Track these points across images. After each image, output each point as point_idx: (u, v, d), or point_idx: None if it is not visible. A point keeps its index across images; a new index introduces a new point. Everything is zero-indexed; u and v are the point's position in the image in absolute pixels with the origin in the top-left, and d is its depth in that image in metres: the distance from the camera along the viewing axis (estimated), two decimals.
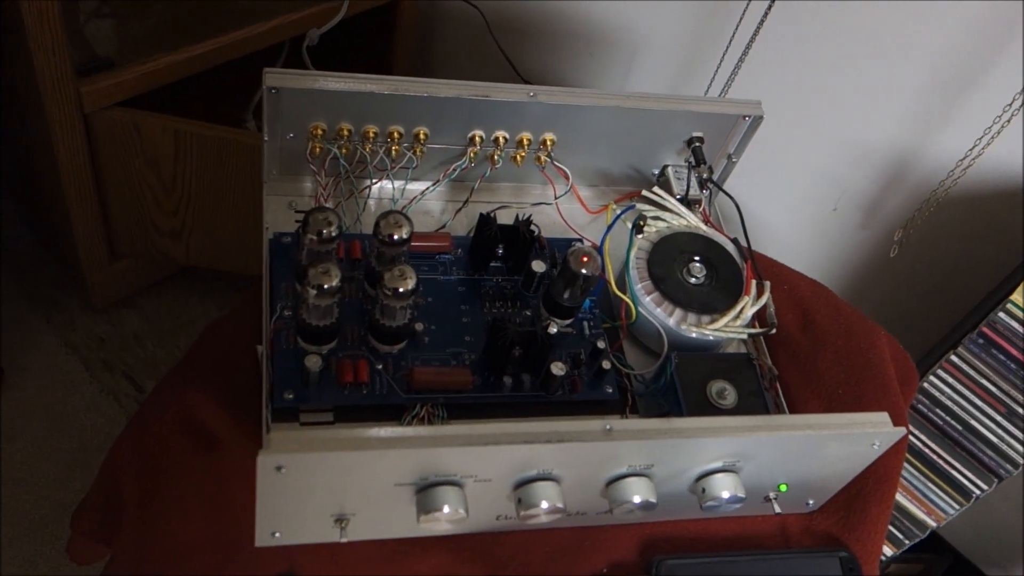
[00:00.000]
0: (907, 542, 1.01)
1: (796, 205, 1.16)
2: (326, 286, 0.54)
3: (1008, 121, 0.85)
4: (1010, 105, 0.84)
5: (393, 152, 0.67)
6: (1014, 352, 0.86)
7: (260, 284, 0.62)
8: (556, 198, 0.72)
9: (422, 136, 0.67)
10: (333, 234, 0.57)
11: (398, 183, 0.69)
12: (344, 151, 0.66)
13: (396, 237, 0.58)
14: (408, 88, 0.64)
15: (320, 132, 0.65)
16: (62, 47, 0.93)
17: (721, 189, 0.75)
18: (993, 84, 0.93)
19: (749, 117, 0.71)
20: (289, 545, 0.55)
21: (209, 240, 1.18)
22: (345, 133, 0.65)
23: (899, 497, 0.98)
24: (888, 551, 1.03)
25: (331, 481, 0.49)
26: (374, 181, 0.68)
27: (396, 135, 0.66)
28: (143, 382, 1.25)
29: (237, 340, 0.64)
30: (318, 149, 0.65)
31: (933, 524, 0.99)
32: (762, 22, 0.95)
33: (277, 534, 0.53)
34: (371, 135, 0.66)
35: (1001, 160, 0.96)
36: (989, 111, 0.87)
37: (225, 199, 1.12)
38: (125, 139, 1.04)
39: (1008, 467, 0.91)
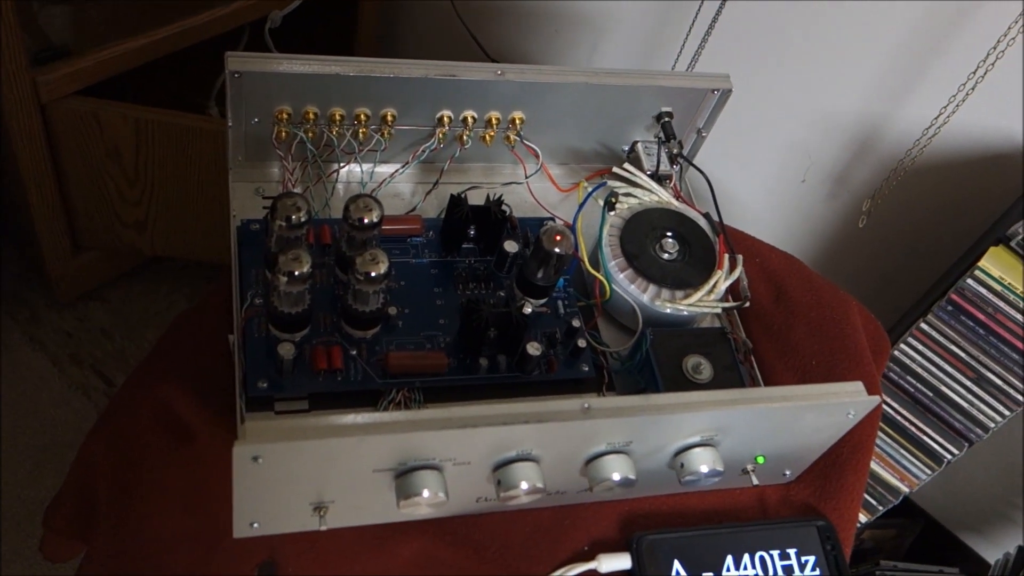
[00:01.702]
0: (881, 508, 1.03)
1: (766, 177, 1.17)
2: (297, 273, 0.53)
3: (972, 89, 0.85)
4: (974, 73, 0.84)
5: (360, 135, 0.66)
6: (983, 318, 0.87)
7: (229, 273, 0.61)
8: (527, 177, 0.72)
9: (389, 118, 0.66)
10: (302, 220, 0.56)
11: (366, 166, 0.68)
12: (311, 135, 0.65)
13: (366, 221, 0.57)
14: (374, 69, 0.63)
15: (285, 116, 0.64)
16: (15, 35, 0.91)
17: (691, 164, 0.75)
18: (957, 53, 0.93)
19: (718, 91, 0.71)
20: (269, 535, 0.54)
21: (175, 230, 1.17)
22: (311, 116, 0.64)
23: (873, 464, 0.99)
24: (863, 517, 1.05)
25: (308, 469, 0.49)
26: (342, 165, 0.67)
27: (363, 117, 0.65)
28: (113, 376, 1.23)
29: (207, 330, 0.63)
30: (284, 133, 0.64)
31: (906, 490, 1.00)
32: None
33: (256, 525, 0.53)
34: (338, 118, 0.65)
35: (966, 128, 0.97)
36: (953, 80, 0.87)
37: (190, 187, 1.10)
38: (84, 129, 1.02)
39: (978, 431, 0.93)
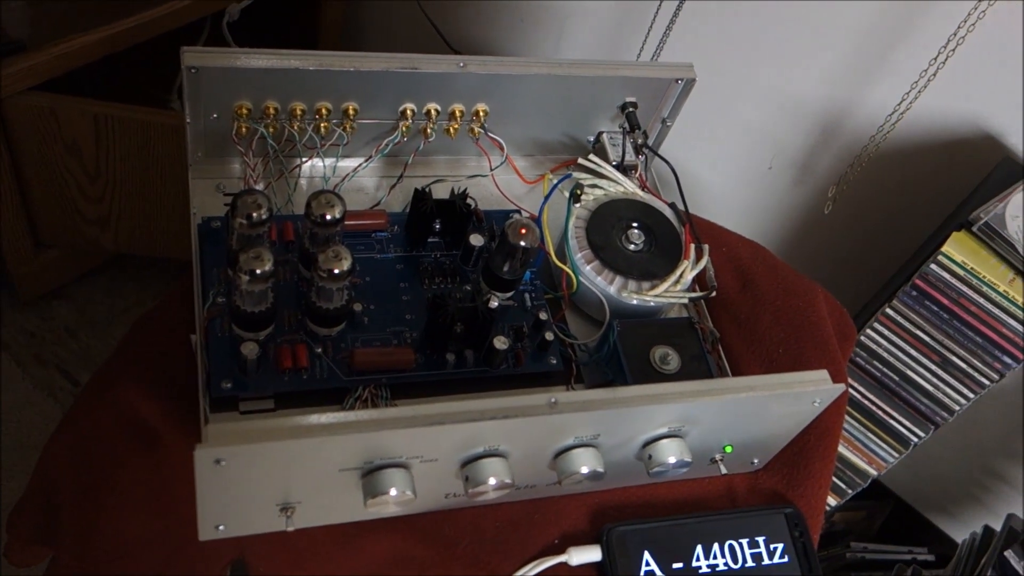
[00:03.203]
0: (850, 491, 1.04)
1: (731, 166, 1.17)
2: (258, 271, 0.52)
3: (934, 75, 0.86)
4: (935, 59, 0.85)
5: (322, 129, 0.65)
6: (946, 303, 0.88)
7: (192, 271, 0.60)
8: (492, 170, 0.71)
9: (351, 112, 0.65)
10: (263, 217, 0.55)
11: (329, 161, 0.67)
12: (271, 130, 0.64)
13: (328, 217, 0.56)
14: (334, 63, 0.62)
15: (245, 111, 0.63)
16: None
17: (656, 154, 0.75)
18: (918, 39, 0.94)
19: (682, 80, 0.71)
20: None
21: (139, 226, 1.15)
22: (271, 111, 0.63)
23: (841, 448, 1.00)
24: (832, 501, 1.06)
25: (273, 471, 0.48)
26: (304, 160, 0.67)
27: (324, 111, 0.65)
28: (78, 376, 1.22)
29: (169, 330, 0.62)
30: (244, 129, 0.63)
31: (874, 473, 1.01)
32: None
33: (221, 527, 0.52)
34: (299, 112, 0.64)
35: (928, 114, 0.97)
36: (915, 66, 0.88)
37: (152, 183, 1.09)
38: (42, 125, 1.00)
39: (944, 414, 0.94)
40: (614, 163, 0.72)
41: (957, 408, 0.93)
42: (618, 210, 0.69)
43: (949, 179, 1.01)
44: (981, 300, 0.86)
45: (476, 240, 0.63)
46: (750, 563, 0.61)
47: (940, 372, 0.92)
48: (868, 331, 0.93)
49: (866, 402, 0.97)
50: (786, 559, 0.62)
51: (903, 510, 1.27)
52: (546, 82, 0.68)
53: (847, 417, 0.98)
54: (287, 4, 1.26)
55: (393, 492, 0.50)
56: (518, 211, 0.69)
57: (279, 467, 0.48)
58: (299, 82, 0.62)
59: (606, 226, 0.67)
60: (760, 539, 0.62)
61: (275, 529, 0.53)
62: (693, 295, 0.67)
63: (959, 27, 0.82)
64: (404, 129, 0.67)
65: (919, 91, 0.87)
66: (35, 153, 1.03)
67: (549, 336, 0.62)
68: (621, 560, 0.59)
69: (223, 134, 0.63)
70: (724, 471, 0.62)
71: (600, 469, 0.55)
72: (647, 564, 0.59)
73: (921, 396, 0.94)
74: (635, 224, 0.68)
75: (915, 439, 0.97)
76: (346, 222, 0.58)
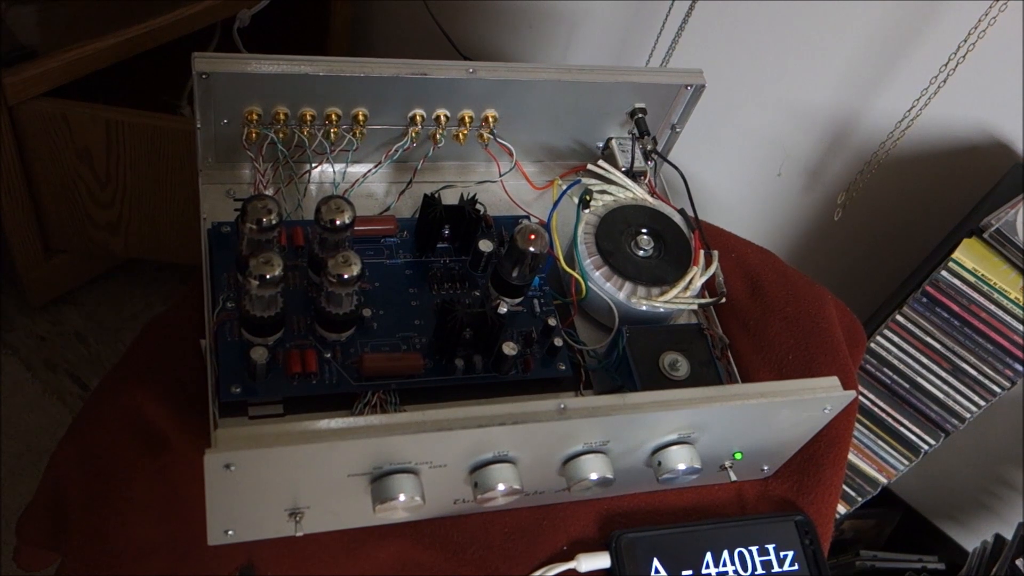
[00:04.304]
0: (860, 499, 1.03)
1: (741, 172, 1.17)
2: (268, 276, 0.52)
3: (944, 82, 0.85)
4: (945, 65, 0.84)
5: (332, 135, 0.65)
6: (957, 309, 0.88)
7: (202, 276, 0.60)
8: (501, 175, 0.71)
9: (361, 117, 0.65)
10: (273, 222, 0.55)
11: (339, 166, 0.67)
12: (281, 135, 0.64)
13: (338, 223, 0.56)
14: (344, 68, 0.62)
15: (255, 117, 0.63)
16: None
17: (666, 160, 0.75)
18: (928, 45, 0.94)
19: (691, 86, 0.71)
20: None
21: (149, 231, 1.15)
22: (281, 117, 0.63)
23: (851, 456, 1.00)
24: (841, 509, 1.05)
25: (282, 476, 0.48)
26: (314, 165, 0.67)
27: (334, 117, 0.65)
28: (88, 380, 1.22)
29: (179, 335, 0.62)
30: (254, 134, 0.64)
31: (884, 481, 1.01)
32: None
33: (230, 532, 0.52)
34: (308, 118, 0.64)
35: (938, 121, 0.97)
36: (925, 72, 0.87)
37: (163, 189, 1.09)
38: (53, 131, 1.01)
39: (954, 422, 0.93)
40: (623, 169, 0.72)
41: (968, 415, 0.92)
42: (627, 216, 0.69)
43: (959, 185, 1.01)
44: (992, 307, 0.86)
45: (485, 246, 0.63)
46: (760, 571, 0.61)
47: (950, 379, 0.91)
48: (878, 338, 0.93)
49: (876, 409, 0.96)
50: (796, 567, 0.61)
51: (913, 518, 1.27)
52: (555, 88, 0.68)
53: (857, 424, 0.97)
54: (296, 9, 1.27)
55: (402, 498, 0.50)
56: (527, 217, 0.69)
57: (288, 472, 0.48)
58: (309, 88, 0.62)
59: (615, 232, 0.67)
60: (770, 547, 0.62)
61: (284, 534, 0.53)
62: (702, 301, 0.67)
63: (969, 33, 0.82)
64: (413, 135, 0.67)
65: (929, 97, 0.87)
66: (46, 159, 1.04)
67: (558, 342, 0.62)
68: (630, 567, 0.58)
69: (233, 139, 0.64)
70: (734, 478, 0.62)
71: (609, 475, 0.54)
72: (656, 571, 0.59)
73: (931, 403, 0.94)
74: (644, 230, 0.68)
75: (925, 447, 0.96)
76: (355, 227, 0.58)
